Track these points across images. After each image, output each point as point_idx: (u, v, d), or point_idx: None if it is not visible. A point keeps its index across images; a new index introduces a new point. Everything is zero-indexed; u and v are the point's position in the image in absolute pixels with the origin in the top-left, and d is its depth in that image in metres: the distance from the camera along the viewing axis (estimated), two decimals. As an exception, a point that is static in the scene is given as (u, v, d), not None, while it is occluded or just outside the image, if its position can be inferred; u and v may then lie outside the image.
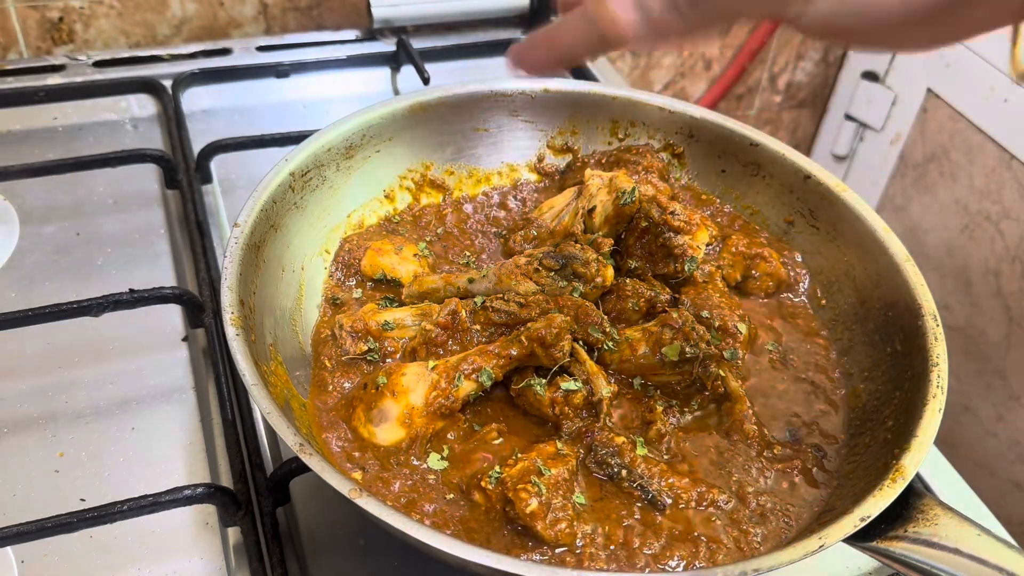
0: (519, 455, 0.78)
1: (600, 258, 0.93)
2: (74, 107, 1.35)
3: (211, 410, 0.94)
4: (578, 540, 0.74)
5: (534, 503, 0.72)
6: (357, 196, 1.05)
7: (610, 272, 0.93)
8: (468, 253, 1.05)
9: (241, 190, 1.24)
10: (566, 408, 0.82)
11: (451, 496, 0.78)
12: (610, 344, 0.87)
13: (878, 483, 0.72)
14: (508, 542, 0.74)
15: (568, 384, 0.82)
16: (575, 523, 0.74)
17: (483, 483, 0.76)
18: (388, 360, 0.88)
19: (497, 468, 0.77)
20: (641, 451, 0.81)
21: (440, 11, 1.56)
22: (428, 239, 1.05)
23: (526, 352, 0.83)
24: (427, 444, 0.81)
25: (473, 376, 0.82)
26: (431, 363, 0.83)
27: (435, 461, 0.80)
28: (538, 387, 0.82)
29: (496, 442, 0.82)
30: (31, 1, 1.43)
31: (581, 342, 0.86)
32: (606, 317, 0.89)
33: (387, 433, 0.80)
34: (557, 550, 0.73)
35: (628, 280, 0.96)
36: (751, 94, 2.12)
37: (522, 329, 0.83)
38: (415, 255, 1.00)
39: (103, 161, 1.18)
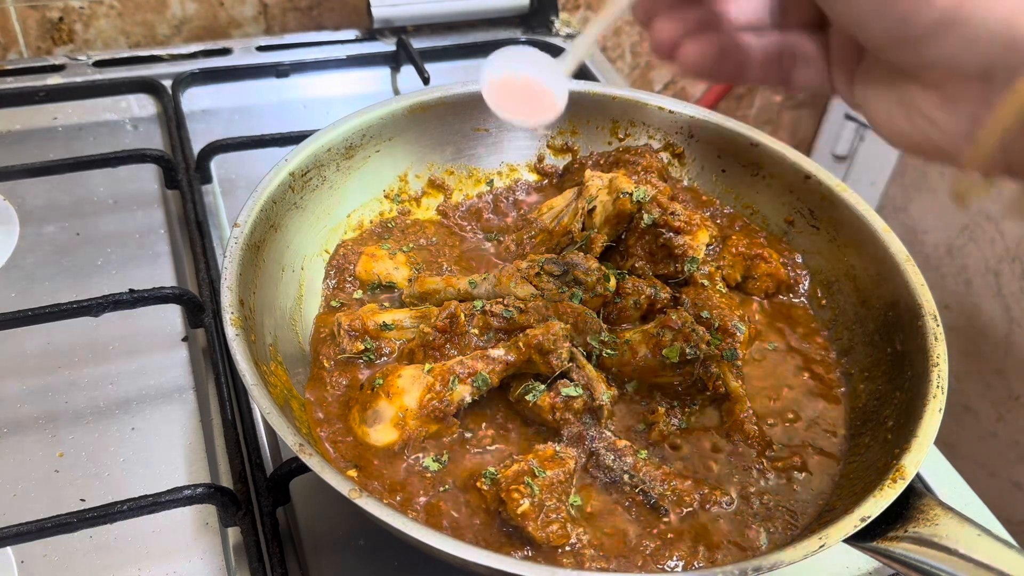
0: (515, 457, 0.78)
1: (602, 267, 0.93)
2: (74, 107, 1.35)
3: (211, 410, 0.94)
4: (572, 540, 0.74)
5: (525, 503, 0.72)
6: (357, 196, 1.05)
7: (612, 283, 0.93)
8: (467, 255, 1.04)
9: (241, 190, 1.24)
10: (566, 414, 0.82)
11: (445, 495, 0.78)
12: (609, 352, 0.87)
13: (878, 483, 0.72)
14: (498, 543, 0.74)
15: (568, 390, 0.82)
16: (568, 525, 0.74)
17: (478, 483, 0.76)
18: (383, 360, 0.88)
19: (491, 468, 0.77)
20: (642, 454, 0.81)
21: (440, 11, 1.56)
22: (422, 242, 1.05)
23: (523, 358, 0.83)
24: (420, 446, 0.81)
25: (469, 380, 0.82)
26: (427, 366, 0.83)
27: (429, 463, 0.80)
28: (536, 393, 0.82)
29: (493, 447, 0.82)
30: (31, 1, 1.43)
31: (580, 348, 0.86)
32: (605, 326, 0.89)
33: (380, 434, 0.80)
34: (556, 552, 0.73)
35: (628, 278, 0.96)
36: (751, 94, 2.11)
37: (520, 335, 0.83)
38: (409, 260, 1.01)
39: (103, 161, 1.18)
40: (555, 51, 1.56)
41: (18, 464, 0.89)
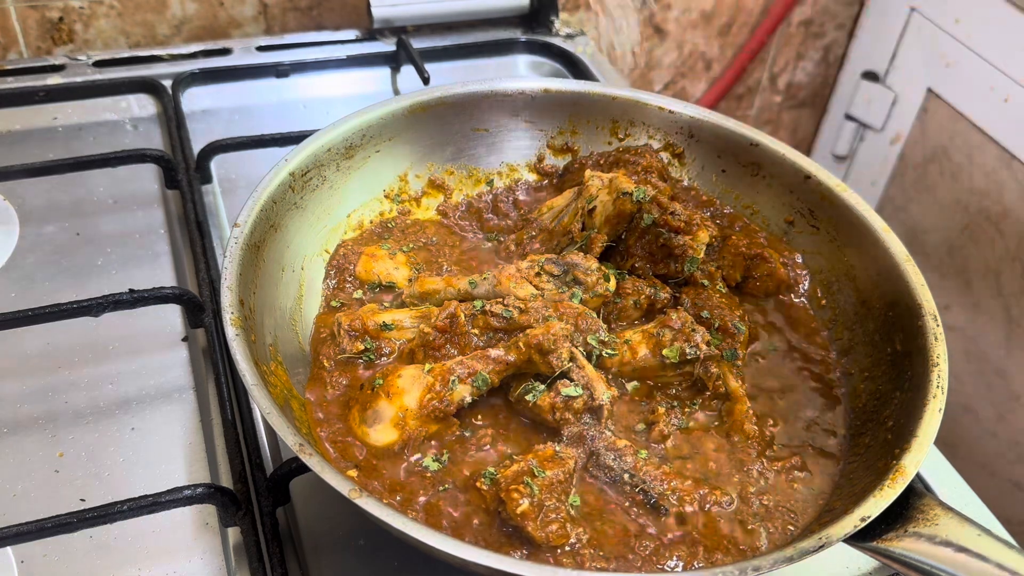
0: (515, 457, 0.78)
1: (602, 267, 0.93)
2: (74, 107, 1.35)
3: (211, 410, 0.94)
4: (572, 540, 0.74)
5: (525, 503, 0.72)
6: (357, 196, 1.05)
7: (612, 283, 0.93)
8: (467, 255, 1.04)
9: (241, 190, 1.24)
10: (566, 414, 0.82)
11: (445, 495, 0.78)
12: (609, 352, 0.87)
13: (878, 483, 0.72)
14: (498, 543, 0.74)
15: (568, 390, 0.81)
16: (568, 525, 0.74)
17: (478, 483, 0.76)
18: (383, 360, 0.88)
19: (491, 468, 0.77)
20: (642, 454, 0.81)
21: (440, 11, 1.56)
22: (422, 242, 1.05)
23: (523, 358, 0.83)
24: (420, 446, 0.81)
25: (468, 380, 0.82)
26: (427, 366, 0.83)
27: (429, 462, 0.80)
28: (536, 393, 0.82)
29: (493, 447, 0.82)
30: (31, 1, 1.43)
31: (580, 348, 0.86)
32: (605, 327, 0.89)
33: (380, 434, 0.80)
34: (556, 551, 0.73)
35: (628, 278, 0.96)
36: (751, 94, 2.12)
37: (520, 335, 0.83)
38: (409, 260, 1.01)
39: (103, 161, 1.18)
40: (553, 51, 1.57)
41: (18, 464, 0.89)
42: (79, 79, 1.38)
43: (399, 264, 0.99)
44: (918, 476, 0.78)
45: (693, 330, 0.87)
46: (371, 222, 1.06)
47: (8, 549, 0.81)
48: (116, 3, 1.49)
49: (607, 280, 0.92)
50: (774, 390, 0.91)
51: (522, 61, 1.58)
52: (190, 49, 1.48)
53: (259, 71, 1.43)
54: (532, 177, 1.15)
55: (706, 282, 0.97)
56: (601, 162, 1.11)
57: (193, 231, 1.13)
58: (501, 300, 0.88)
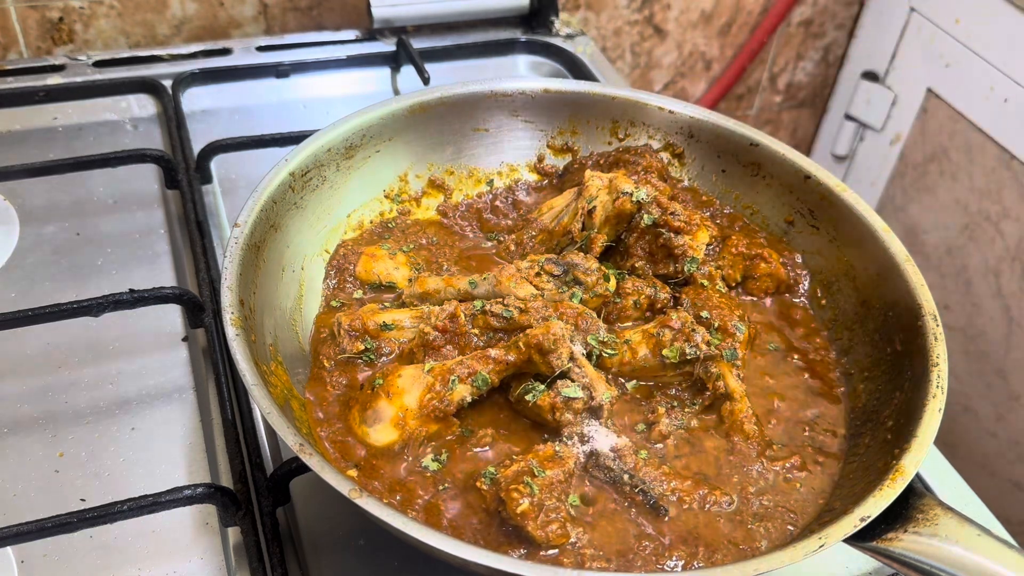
0: (515, 457, 0.78)
1: (602, 267, 0.93)
2: (74, 107, 1.35)
3: (211, 410, 0.94)
4: (572, 540, 0.74)
5: (525, 503, 0.72)
6: (357, 196, 1.05)
7: (612, 283, 0.93)
8: (467, 255, 1.04)
9: (241, 190, 1.24)
10: (566, 414, 0.82)
11: (445, 495, 0.78)
12: (609, 352, 0.87)
13: (878, 483, 0.72)
14: (497, 542, 0.74)
15: (568, 390, 0.81)
16: (568, 524, 0.74)
17: (478, 483, 0.76)
18: (383, 360, 0.88)
19: (491, 468, 0.77)
20: (642, 454, 0.81)
21: (440, 11, 1.56)
22: (422, 242, 1.05)
23: (523, 358, 0.83)
24: (420, 446, 0.81)
25: (468, 380, 0.82)
26: (427, 366, 0.83)
27: (429, 462, 0.80)
28: (536, 393, 0.82)
29: (491, 447, 0.82)
30: (31, 1, 1.43)
31: (581, 348, 0.86)
32: (605, 326, 0.89)
33: (380, 434, 0.80)
34: (550, 551, 0.73)
35: (628, 278, 0.96)
36: (751, 94, 2.12)
37: (520, 335, 0.83)
38: (409, 260, 1.01)
39: (103, 161, 1.18)
40: (553, 51, 1.57)
41: (18, 464, 0.89)
42: (79, 79, 1.38)
43: (399, 264, 0.99)
44: (918, 476, 0.78)
45: (693, 330, 0.87)
46: (371, 222, 1.06)
47: (8, 549, 0.81)
48: (116, 3, 1.49)
49: (607, 280, 0.92)
50: (774, 390, 0.91)
51: (522, 61, 1.58)
52: (190, 49, 1.48)
53: (259, 71, 1.43)
54: (532, 177, 1.15)
55: (706, 282, 0.97)
56: (601, 162, 1.11)
57: (193, 231, 1.13)
58: (501, 300, 0.88)
